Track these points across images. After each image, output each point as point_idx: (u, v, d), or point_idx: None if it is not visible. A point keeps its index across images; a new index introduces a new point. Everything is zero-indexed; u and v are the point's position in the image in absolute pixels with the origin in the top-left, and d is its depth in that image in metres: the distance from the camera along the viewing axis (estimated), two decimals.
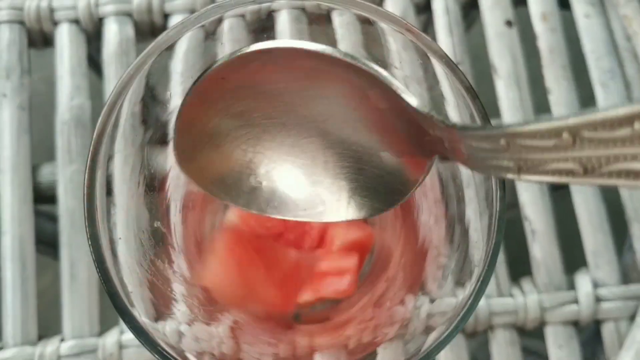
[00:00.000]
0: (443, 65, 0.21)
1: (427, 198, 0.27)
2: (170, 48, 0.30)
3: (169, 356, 0.21)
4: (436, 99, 0.24)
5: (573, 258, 0.33)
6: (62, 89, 0.33)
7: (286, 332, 0.27)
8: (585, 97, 0.36)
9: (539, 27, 0.35)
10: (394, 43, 0.27)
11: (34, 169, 0.33)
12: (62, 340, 0.31)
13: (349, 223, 0.28)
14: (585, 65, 0.35)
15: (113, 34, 0.34)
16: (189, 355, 0.24)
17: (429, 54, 0.20)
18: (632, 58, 0.34)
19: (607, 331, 0.31)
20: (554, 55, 0.34)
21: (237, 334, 0.27)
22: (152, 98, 0.33)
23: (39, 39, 0.34)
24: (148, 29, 0.35)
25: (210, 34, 0.34)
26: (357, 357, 0.24)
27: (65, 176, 0.32)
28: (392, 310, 0.25)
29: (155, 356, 0.20)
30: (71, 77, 0.33)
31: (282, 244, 0.27)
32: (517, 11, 0.36)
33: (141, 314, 0.22)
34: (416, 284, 0.25)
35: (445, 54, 0.21)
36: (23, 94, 0.33)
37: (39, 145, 0.33)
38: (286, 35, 0.34)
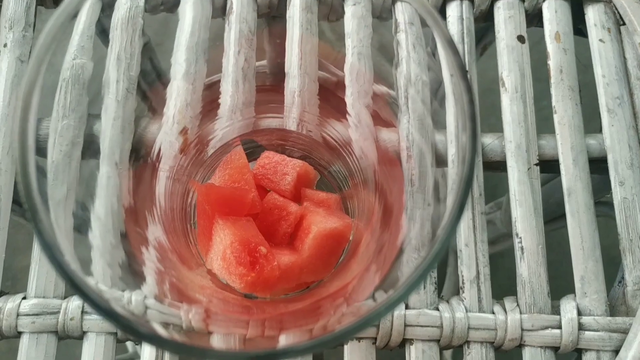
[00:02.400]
0: (445, 46, 0.20)
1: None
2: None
3: (123, 320, 0.19)
4: (443, 98, 0.23)
5: (561, 282, 0.32)
6: (68, 48, 0.33)
7: (256, 313, 0.26)
8: (591, 121, 0.35)
9: (551, 46, 0.34)
10: (404, 39, 0.27)
11: None
12: (24, 298, 0.30)
13: (329, 212, 0.27)
14: (594, 90, 0.34)
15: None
16: (155, 325, 0.23)
17: (432, 27, 0.20)
18: None
19: None
20: (563, 76, 0.34)
21: (208, 310, 0.26)
22: (151, 63, 0.33)
23: None
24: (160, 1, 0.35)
25: (219, 9, 0.34)
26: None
27: (56, 130, 0.31)
28: (361, 304, 0.24)
29: (107, 319, 0.19)
30: (78, 37, 0.33)
31: (257, 225, 0.26)
32: (531, 30, 0.36)
33: (100, 280, 0.21)
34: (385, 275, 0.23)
35: (450, 37, 0.20)
36: (24, 47, 0.32)
37: (42, 101, 0.33)
38: (296, 23, 0.34)
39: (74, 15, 0.20)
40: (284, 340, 0.20)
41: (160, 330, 0.22)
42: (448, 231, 0.19)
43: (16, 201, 0.33)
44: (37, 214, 0.16)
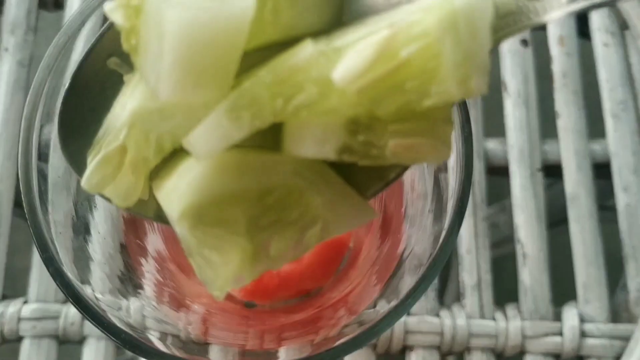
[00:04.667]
0: None
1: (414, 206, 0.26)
2: None
3: (119, 330, 0.19)
4: None
5: (563, 289, 0.32)
6: (72, 55, 0.33)
7: (256, 323, 0.26)
8: (595, 126, 0.35)
9: (555, 50, 0.34)
10: None
11: None
12: (25, 302, 0.30)
13: None
14: (598, 94, 0.34)
15: None
16: (150, 335, 0.23)
17: None
18: None
19: None
20: (567, 80, 0.33)
21: (206, 320, 0.26)
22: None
23: (50, 0, 0.34)
24: None
25: None
26: (321, 349, 0.23)
27: (57, 136, 0.31)
28: (363, 311, 0.24)
29: (100, 329, 0.19)
30: (83, 44, 0.33)
31: None
32: (534, 33, 0.35)
33: (97, 290, 0.21)
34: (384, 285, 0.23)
35: None
36: (25, 51, 0.32)
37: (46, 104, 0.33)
38: None
39: (76, 35, 0.20)
40: (284, 355, 0.20)
41: (158, 344, 0.22)
42: (449, 238, 0.19)
43: (18, 203, 0.33)
44: (38, 226, 0.16)
